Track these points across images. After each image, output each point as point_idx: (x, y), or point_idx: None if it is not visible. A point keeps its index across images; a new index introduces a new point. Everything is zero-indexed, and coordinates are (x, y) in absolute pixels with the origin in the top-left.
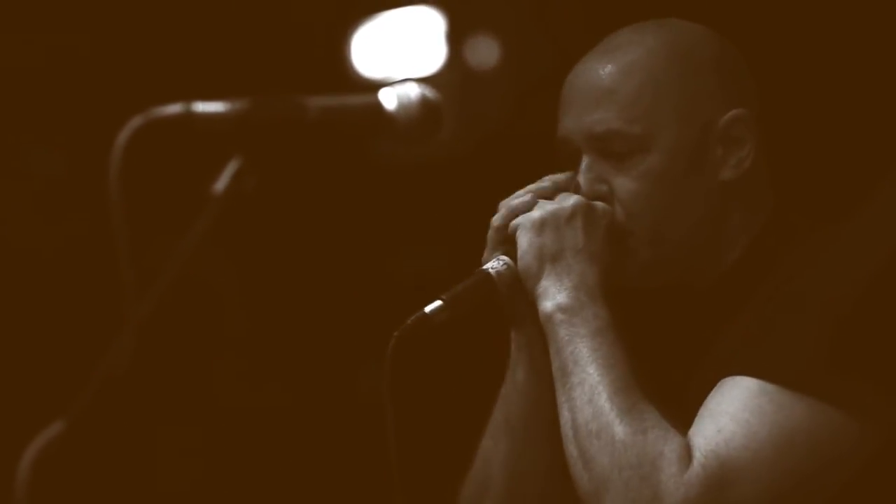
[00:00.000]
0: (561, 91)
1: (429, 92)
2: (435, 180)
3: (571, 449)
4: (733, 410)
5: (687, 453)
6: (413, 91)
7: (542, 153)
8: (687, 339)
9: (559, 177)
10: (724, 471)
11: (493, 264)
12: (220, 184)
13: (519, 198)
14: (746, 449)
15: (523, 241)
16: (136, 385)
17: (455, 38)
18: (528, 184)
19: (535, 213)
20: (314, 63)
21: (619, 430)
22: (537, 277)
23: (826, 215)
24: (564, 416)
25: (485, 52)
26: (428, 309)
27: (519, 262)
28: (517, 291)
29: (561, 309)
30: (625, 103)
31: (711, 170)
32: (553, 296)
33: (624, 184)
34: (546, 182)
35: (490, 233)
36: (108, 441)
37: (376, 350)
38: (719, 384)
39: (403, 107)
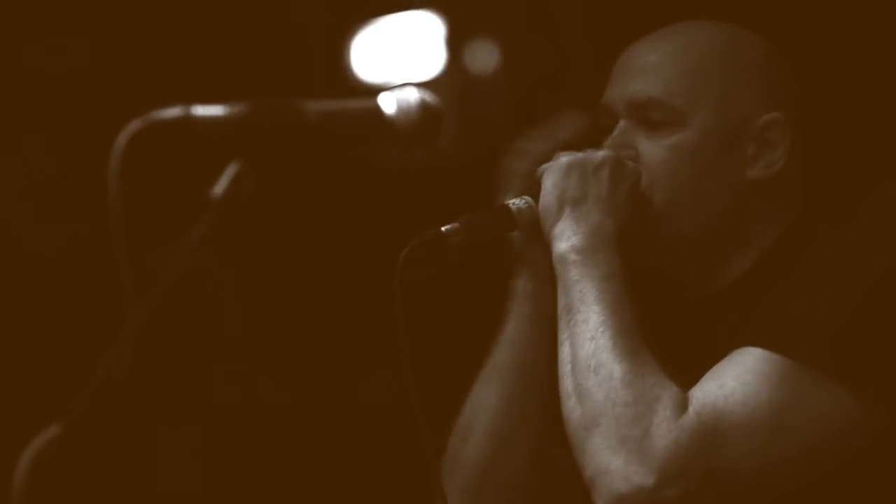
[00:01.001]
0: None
1: (428, 97)
2: (434, 185)
3: (567, 383)
4: (736, 372)
5: (684, 402)
6: (412, 96)
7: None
8: (696, 339)
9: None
10: (719, 422)
11: (515, 201)
12: (219, 187)
13: (543, 143)
14: (745, 405)
15: (548, 181)
16: (135, 387)
17: (454, 42)
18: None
19: (564, 159)
20: (314, 67)
21: (619, 368)
22: (556, 218)
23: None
24: (564, 351)
25: (484, 56)
26: (445, 228)
27: (540, 202)
28: (534, 234)
29: (575, 250)
30: (670, 78)
31: (740, 165)
32: (569, 237)
33: (652, 151)
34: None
35: (508, 176)
36: (106, 443)
37: (375, 354)
38: (728, 356)
39: (403, 111)
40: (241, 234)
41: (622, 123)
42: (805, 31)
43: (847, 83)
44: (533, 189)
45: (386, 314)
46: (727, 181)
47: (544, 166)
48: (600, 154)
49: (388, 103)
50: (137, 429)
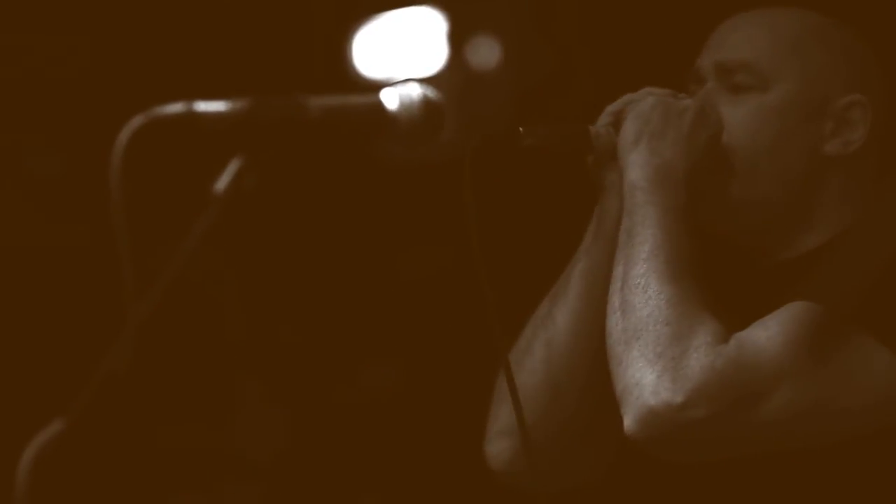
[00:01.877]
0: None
1: (430, 92)
2: (436, 181)
3: (615, 300)
4: (783, 319)
5: (725, 334)
6: (415, 91)
7: (543, 153)
8: (756, 307)
9: (658, 89)
10: (758, 357)
11: (597, 127)
12: (221, 183)
13: (639, 93)
14: (785, 346)
15: (632, 114)
16: (137, 384)
17: (456, 38)
18: (530, 183)
19: (651, 98)
20: (316, 63)
21: (667, 289)
22: (633, 148)
23: None
24: (618, 270)
25: (486, 52)
26: (521, 128)
27: (621, 131)
28: (610, 162)
29: (645, 178)
30: (761, 46)
31: (817, 139)
32: (642, 166)
33: (735, 113)
34: (648, 90)
35: (602, 115)
36: (107, 440)
37: (376, 351)
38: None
39: (405, 107)
40: (244, 230)
41: (709, 84)
42: (889, 24)
43: None
44: (618, 124)
45: (453, 219)
46: (803, 152)
47: (632, 103)
48: (687, 101)
49: (390, 99)
50: (139, 426)
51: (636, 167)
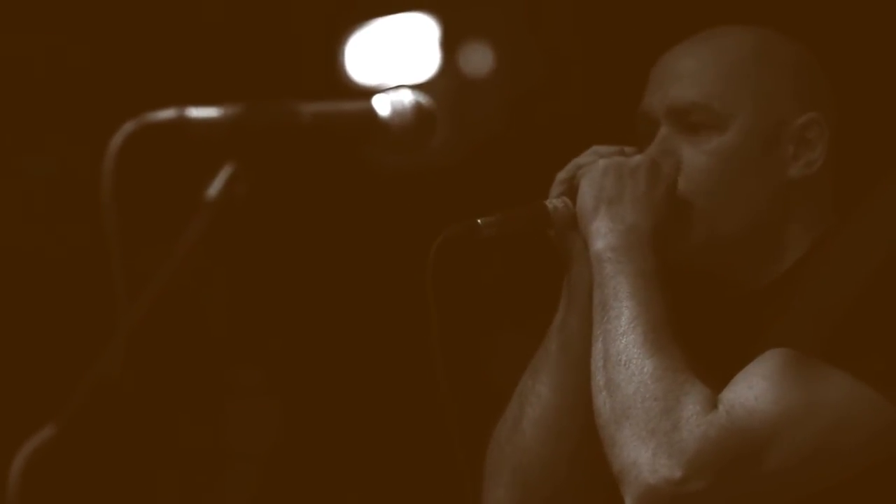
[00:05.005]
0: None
1: (423, 99)
2: (428, 186)
3: (598, 378)
4: (767, 373)
5: (713, 400)
6: (407, 98)
7: (535, 158)
8: (731, 338)
9: (605, 147)
10: (750, 420)
11: (552, 201)
12: (213, 189)
13: (586, 156)
14: (776, 404)
15: (585, 182)
16: (127, 390)
17: (449, 45)
18: (524, 189)
19: (602, 162)
20: (308, 69)
21: (649, 363)
22: (592, 217)
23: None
24: (597, 347)
25: (478, 59)
26: (480, 220)
27: (577, 201)
28: (572, 231)
29: (611, 248)
30: (709, 81)
31: (780, 165)
32: (605, 235)
33: (694, 157)
34: (594, 150)
35: (554, 185)
36: (98, 446)
37: (366, 357)
38: (757, 357)
39: (397, 113)
40: (235, 236)
41: (663, 130)
42: (832, 32)
43: (879, 84)
44: (572, 192)
45: (415, 305)
46: (769, 182)
47: (583, 170)
48: (637, 157)
49: (382, 105)
50: (130, 431)
51: (599, 237)
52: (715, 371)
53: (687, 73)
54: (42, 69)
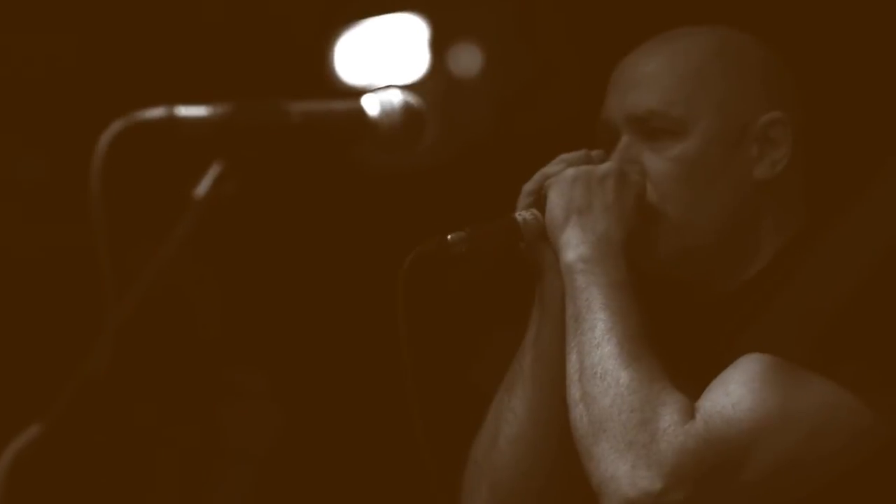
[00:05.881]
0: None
1: (412, 99)
2: (417, 187)
3: (574, 391)
4: (744, 379)
5: (690, 409)
6: (396, 98)
7: (524, 160)
8: (707, 341)
9: (571, 155)
10: (728, 429)
11: (522, 213)
12: (202, 188)
13: (553, 165)
14: (753, 412)
15: (553, 193)
16: (114, 389)
17: (438, 45)
18: (513, 190)
19: (569, 171)
20: (297, 69)
21: (625, 375)
22: (562, 228)
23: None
24: (571, 359)
25: (468, 59)
26: (450, 236)
27: (547, 213)
28: (542, 243)
29: (582, 259)
30: (667, 87)
31: (746, 166)
32: (576, 246)
33: (657, 164)
34: (561, 159)
35: (521, 196)
36: (85, 445)
37: (358, 357)
38: (734, 362)
39: (386, 113)
40: (224, 235)
41: (625, 138)
42: (800, 29)
43: (846, 81)
44: (540, 203)
45: (387, 322)
46: (734, 184)
47: (550, 180)
48: (604, 165)
49: (371, 105)
50: (118, 430)
51: (570, 248)
52: (691, 375)
53: (644, 79)
54: (29, 68)
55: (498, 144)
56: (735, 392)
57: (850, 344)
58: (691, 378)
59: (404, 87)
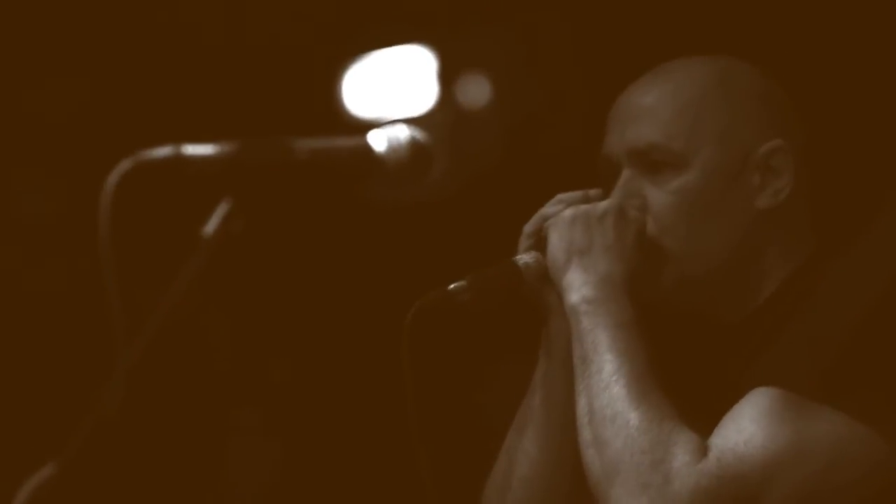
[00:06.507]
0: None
1: (418, 134)
2: (426, 219)
3: (585, 434)
4: (755, 415)
5: (702, 447)
6: (402, 133)
7: (532, 190)
8: (716, 372)
9: (570, 195)
10: (741, 467)
11: (523, 257)
12: (210, 226)
13: (551, 206)
14: (766, 449)
15: (553, 235)
16: (127, 428)
17: (446, 77)
18: (521, 221)
19: (568, 212)
20: (306, 103)
21: (634, 416)
22: (564, 270)
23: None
24: (581, 402)
25: (476, 91)
26: (451, 286)
27: (548, 255)
28: (545, 285)
29: (586, 300)
30: (667, 120)
31: (748, 196)
32: (578, 288)
33: (658, 197)
34: (559, 199)
35: (521, 238)
36: (98, 484)
37: (366, 390)
38: (745, 396)
39: (393, 149)
40: (232, 273)
41: (626, 172)
42: (799, 56)
43: (847, 107)
44: (540, 245)
45: (392, 371)
46: (737, 215)
47: (550, 221)
48: (603, 204)
49: (377, 141)
50: (131, 468)
51: (573, 290)
52: (702, 408)
53: (644, 112)
54: (39, 107)
55: (506, 175)
56: (747, 428)
57: (860, 374)
58: (703, 411)
59: (412, 120)
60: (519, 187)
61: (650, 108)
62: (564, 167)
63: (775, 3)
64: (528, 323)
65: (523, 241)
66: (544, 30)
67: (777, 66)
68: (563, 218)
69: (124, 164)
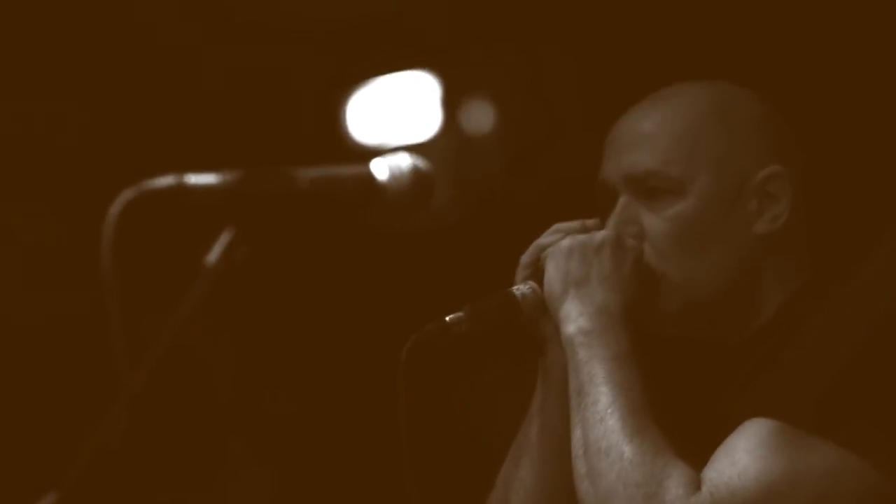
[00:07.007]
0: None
1: (420, 162)
2: (428, 246)
3: (579, 466)
4: (748, 446)
5: (695, 481)
6: (404, 162)
7: (536, 217)
8: (714, 396)
9: (567, 224)
10: (733, 500)
11: (520, 287)
12: (213, 255)
13: (548, 236)
14: (759, 482)
15: (550, 266)
16: (129, 457)
17: (450, 103)
18: (521, 250)
19: (565, 242)
20: (310, 130)
21: (628, 449)
22: (561, 301)
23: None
24: (576, 434)
25: (480, 117)
26: (448, 318)
27: (545, 286)
28: (542, 316)
29: (582, 332)
30: (664, 146)
31: (745, 222)
32: (575, 319)
33: (656, 224)
34: (556, 229)
35: (518, 269)
36: None
37: (363, 421)
38: (738, 427)
39: (395, 177)
40: (235, 303)
41: (623, 199)
42: (796, 81)
43: (845, 132)
44: (537, 275)
45: (389, 404)
46: (735, 241)
47: (547, 251)
48: (600, 234)
49: (379, 169)
50: (132, 496)
51: (570, 321)
52: (697, 436)
53: (641, 138)
54: (41, 135)
55: (510, 202)
56: (740, 461)
57: (854, 404)
58: (698, 439)
59: (416, 146)
60: (522, 213)
61: (647, 134)
62: (568, 194)
63: (772, 29)
64: (526, 348)
65: (520, 272)
66: (548, 56)
67: (775, 92)
68: (559, 248)
69: (127, 194)
